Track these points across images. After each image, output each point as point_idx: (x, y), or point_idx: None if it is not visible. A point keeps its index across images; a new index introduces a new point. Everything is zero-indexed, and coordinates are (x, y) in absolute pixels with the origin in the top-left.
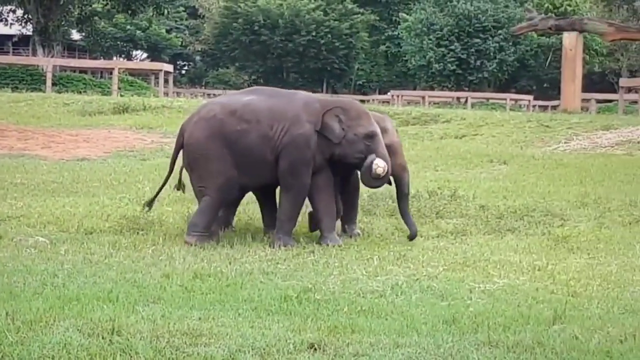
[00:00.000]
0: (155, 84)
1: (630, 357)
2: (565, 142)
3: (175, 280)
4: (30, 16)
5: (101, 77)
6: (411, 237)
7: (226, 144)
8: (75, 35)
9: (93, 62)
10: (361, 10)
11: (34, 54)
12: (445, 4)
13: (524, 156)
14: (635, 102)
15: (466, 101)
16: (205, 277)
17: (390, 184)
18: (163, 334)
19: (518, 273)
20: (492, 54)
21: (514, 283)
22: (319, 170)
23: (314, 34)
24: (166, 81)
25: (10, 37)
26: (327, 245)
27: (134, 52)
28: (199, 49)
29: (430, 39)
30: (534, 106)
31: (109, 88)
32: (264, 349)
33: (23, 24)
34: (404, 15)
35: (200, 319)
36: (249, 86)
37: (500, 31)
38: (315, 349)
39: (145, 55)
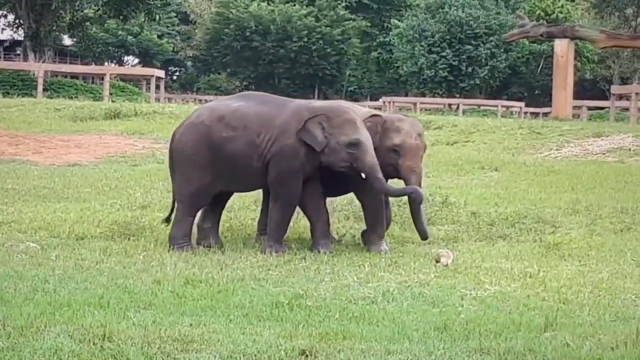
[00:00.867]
0: (147, 89)
1: None
2: (556, 149)
3: (167, 286)
4: (21, 21)
5: (92, 82)
6: (423, 239)
7: (212, 150)
8: (67, 40)
9: (84, 68)
10: (353, 16)
11: (25, 59)
12: (437, 10)
13: (516, 163)
14: (627, 109)
15: (458, 108)
16: (197, 283)
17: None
18: (154, 340)
19: (509, 280)
20: (483, 60)
21: (505, 290)
22: (309, 178)
23: (305, 40)
24: (158, 87)
25: (1, 42)
26: (319, 252)
27: (126, 58)
28: (191, 55)
29: (421, 46)
30: (525, 113)
31: (100, 93)
32: (255, 356)
33: (14, 29)
34: (396, 21)
35: (191, 325)
36: (240, 92)
37: (491, 38)
38: (307, 356)
39: (136, 60)
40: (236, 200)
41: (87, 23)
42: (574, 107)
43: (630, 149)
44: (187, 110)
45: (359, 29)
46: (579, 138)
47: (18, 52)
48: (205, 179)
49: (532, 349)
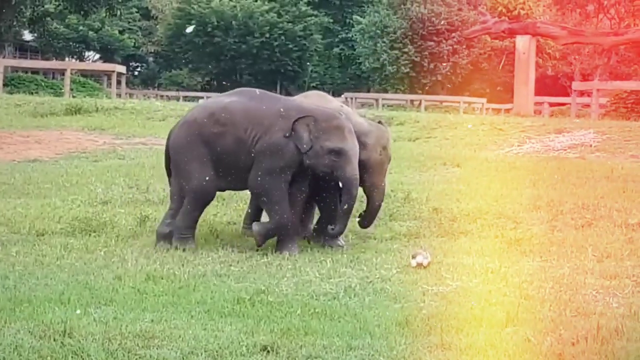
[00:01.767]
0: (108, 85)
1: (582, 359)
2: (518, 145)
3: (128, 283)
4: None
5: (53, 78)
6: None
7: (206, 146)
8: (27, 35)
9: (45, 63)
10: (315, 12)
11: None
12: (399, 6)
13: (477, 159)
14: (588, 105)
15: (420, 104)
16: (158, 279)
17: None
18: (115, 336)
19: (471, 275)
20: (445, 57)
21: (467, 285)
22: (296, 179)
23: (267, 35)
24: (119, 82)
25: None
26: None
27: (87, 53)
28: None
29: (384, 42)
30: (487, 109)
31: (61, 89)
32: (216, 352)
33: None
34: (358, 17)
35: (152, 321)
36: (202, 88)
37: (453, 34)
38: (268, 352)
39: (97, 56)
40: None
41: (48, 18)
42: (536, 104)
43: (591, 145)
44: (148, 106)
45: (321, 24)
46: (541, 134)
47: None
48: (204, 174)
49: (493, 344)
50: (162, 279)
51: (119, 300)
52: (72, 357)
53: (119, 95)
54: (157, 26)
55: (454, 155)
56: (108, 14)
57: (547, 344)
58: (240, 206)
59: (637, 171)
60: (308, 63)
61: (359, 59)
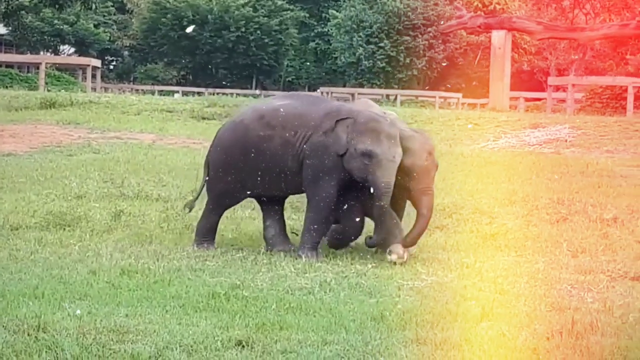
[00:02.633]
0: (83, 79)
1: (556, 354)
2: (493, 140)
3: (102, 277)
4: None
5: (28, 71)
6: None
7: (246, 150)
8: (2, 29)
9: (19, 57)
10: (291, 6)
11: None
12: (375, 1)
13: (453, 154)
14: (564, 100)
15: (395, 99)
16: (133, 274)
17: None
18: (89, 330)
19: (446, 270)
20: (421, 51)
21: (442, 280)
22: (347, 187)
23: (243, 30)
24: (94, 76)
25: None
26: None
27: (62, 47)
28: (127, 44)
29: (359, 36)
30: (462, 104)
31: (35, 83)
32: (191, 346)
33: None
34: (334, 12)
35: (127, 315)
36: (177, 82)
37: (429, 29)
38: (243, 346)
39: (72, 50)
40: (172, 191)
41: (23, 12)
42: (511, 99)
43: (566, 140)
44: (123, 100)
45: (297, 19)
46: (516, 129)
47: None
48: (232, 180)
49: (468, 339)
50: (137, 273)
51: (93, 295)
52: (46, 351)
53: (94, 89)
54: (133, 20)
55: None
56: (83, 7)
57: (521, 338)
58: None
59: (612, 166)
60: (284, 57)
61: (334, 54)
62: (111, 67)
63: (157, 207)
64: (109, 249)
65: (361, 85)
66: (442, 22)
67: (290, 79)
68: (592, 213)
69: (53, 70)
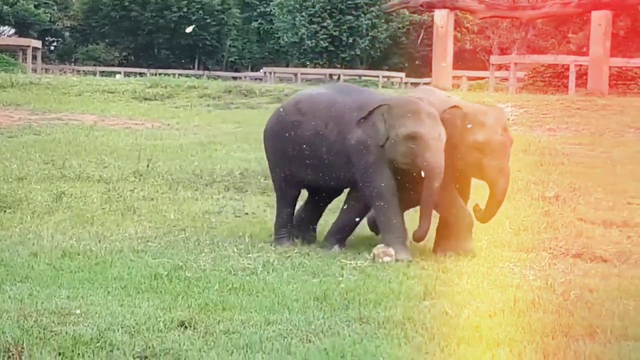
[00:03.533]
0: (23, 60)
1: (499, 332)
2: None
3: (43, 259)
4: None
5: None
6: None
7: (284, 135)
8: None
9: None
10: None
11: None
12: None
13: None
14: (506, 79)
15: (339, 78)
16: (74, 256)
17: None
18: (31, 313)
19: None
20: (364, 31)
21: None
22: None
23: (185, 10)
24: (34, 57)
25: None
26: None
27: (1, 28)
28: (68, 25)
29: (302, 16)
30: (405, 83)
31: None
32: (133, 327)
33: None
34: None
35: (68, 297)
36: (119, 63)
37: (372, 8)
38: (186, 327)
39: (12, 31)
40: (114, 172)
41: None
42: (454, 77)
43: (509, 119)
44: (64, 81)
45: None
46: None
47: None
48: (285, 166)
49: (411, 317)
50: (79, 255)
51: (34, 277)
52: None
53: (34, 71)
54: (74, 0)
55: None
56: None
57: (464, 316)
58: (157, 181)
59: (554, 144)
60: (226, 37)
61: (277, 34)
62: (52, 48)
63: (98, 189)
64: (50, 231)
65: (304, 65)
66: (385, 1)
67: (233, 59)
68: (534, 191)
69: None
